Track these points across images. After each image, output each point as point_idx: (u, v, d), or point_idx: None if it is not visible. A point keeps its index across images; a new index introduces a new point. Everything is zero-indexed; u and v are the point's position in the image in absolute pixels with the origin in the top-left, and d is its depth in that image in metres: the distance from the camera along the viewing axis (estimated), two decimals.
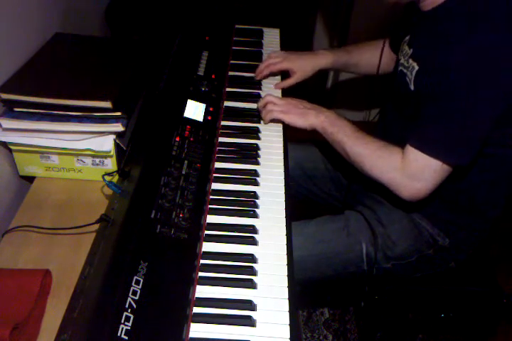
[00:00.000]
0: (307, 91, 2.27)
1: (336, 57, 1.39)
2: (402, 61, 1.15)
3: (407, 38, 1.17)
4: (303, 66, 1.37)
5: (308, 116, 1.17)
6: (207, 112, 1.21)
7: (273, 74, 1.40)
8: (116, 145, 1.11)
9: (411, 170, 1.03)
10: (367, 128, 1.16)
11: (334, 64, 1.40)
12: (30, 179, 1.17)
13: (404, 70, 1.12)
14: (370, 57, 1.41)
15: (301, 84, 1.37)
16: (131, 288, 0.78)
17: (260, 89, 1.36)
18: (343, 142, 1.12)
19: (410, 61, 1.10)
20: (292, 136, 1.23)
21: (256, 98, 1.33)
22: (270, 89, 1.37)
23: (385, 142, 1.09)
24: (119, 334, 0.72)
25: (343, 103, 2.43)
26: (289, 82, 1.38)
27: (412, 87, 1.08)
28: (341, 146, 1.13)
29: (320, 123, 1.15)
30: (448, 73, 0.95)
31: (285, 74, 1.40)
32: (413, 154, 1.02)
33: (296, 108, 1.19)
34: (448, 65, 0.95)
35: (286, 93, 1.36)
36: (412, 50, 1.11)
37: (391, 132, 1.23)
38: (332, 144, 1.16)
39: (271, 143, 1.20)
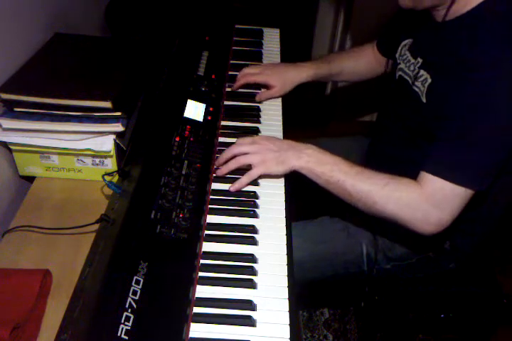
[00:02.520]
0: (307, 95, 2.29)
1: (316, 70, 1.34)
2: (402, 66, 1.12)
3: (408, 42, 1.13)
4: (281, 81, 1.31)
5: (287, 159, 1.02)
6: (207, 112, 1.20)
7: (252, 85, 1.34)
8: (116, 145, 1.10)
9: (436, 200, 0.94)
10: (367, 128, 1.14)
11: (315, 76, 1.35)
12: (30, 179, 1.17)
13: (408, 78, 1.09)
14: (354, 65, 1.39)
15: (300, 89, 1.36)
16: (131, 288, 0.78)
17: (260, 89, 1.36)
18: (340, 181, 0.99)
19: (422, 71, 1.04)
20: (292, 136, 1.23)
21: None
22: None
23: (389, 174, 0.99)
24: (119, 334, 0.72)
25: (343, 106, 2.43)
26: (267, 95, 1.32)
27: (424, 99, 1.03)
28: (340, 186, 1.00)
29: (304, 164, 1.02)
30: (463, 93, 0.90)
31: None
32: (437, 182, 0.94)
33: (271, 152, 1.04)
34: (469, 86, 0.90)
35: (286, 100, 1.35)
36: (420, 59, 1.06)
37: (389, 142, 1.22)
38: (325, 186, 1.02)
39: None
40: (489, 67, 0.89)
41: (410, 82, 1.08)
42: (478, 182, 0.94)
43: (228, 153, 1.07)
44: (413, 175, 0.99)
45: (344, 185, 0.99)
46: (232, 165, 1.05)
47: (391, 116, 1.21)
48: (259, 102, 1.32)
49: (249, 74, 1.33)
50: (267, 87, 1.33)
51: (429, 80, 1.02)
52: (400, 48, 1.16)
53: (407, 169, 0.99)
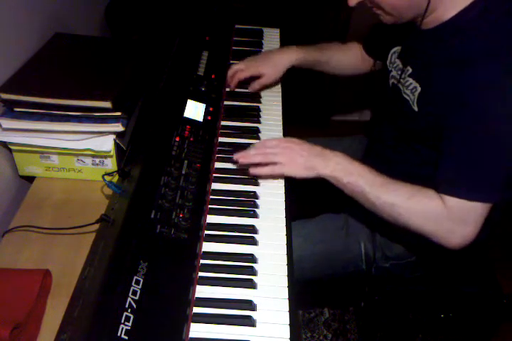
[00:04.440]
0: (307, 91, 2.29)
1: (305, 54, 1.33)
2: (393, 74, 1.13)
3: (397, 49, 1.13)
4: (270, 66, 1.31)
5: (315, 166, 1.02)
6: (207, 112, 1.21)
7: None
8: (116, 145, 1.10)
9: (458, 217, 0.94)
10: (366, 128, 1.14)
11: (303, 60, 1.33)
12: (30, 179, 1.17)
13: (399, 85, 1.09)
14: (342, 58, 1.38)
15: (300, 85, 1.36)
16: (131, 288, 0.78)
17: None
18: (365, 192, 0.99)
19: (410, 80, 1.05)
20: (292, 136, 1.23)
21: (256, 98, 1.33)
22: (270, 88, 1.37)
23: (414, 185, 0.98)
24: (119, 334, 0.72)
25: (342, 102, 2.43)
26: (260, 82, 1.31)
27: (415, 108, 1.03)
28: (365, 197, 1.00)
29: (331, 172, 1.02)
30: (466, 106, 0.90)
31: (287, 78, 1.38)
32: (455, 201, 0.93)
33: (299, 156, 1.04)
34: (464, 96, 0.90)
35: (286, 100, 1.35)
36: (410, 68, 1.06)
37: (384, 143, 1.22)
38: (350, 194, 1.02)
39: None
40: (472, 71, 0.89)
41: (401, 89, 1.08)
42: (495, 195, 0.94)
43: (258, 149, 1.06)
44: (409, 176, 0.99)
45: (369, 196, 0.99)
46: (259, 158, 1.04)
47: (385, 120, 1.22)
48: (259, 102, 1.32)
49: (239, 70, 1.32)
50: (258, 75, 1.32)
51: (419, 89, 1.02)
52: (389, 56, 1.16)
53: (403, 169, 0.99)
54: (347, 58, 1.38)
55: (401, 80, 1.08)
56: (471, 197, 0.93)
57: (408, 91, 1.05)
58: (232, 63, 1.44)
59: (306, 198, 1.45)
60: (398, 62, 1.11)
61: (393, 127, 1.17)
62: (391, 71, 1.14)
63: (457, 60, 0.93)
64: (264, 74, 1.31)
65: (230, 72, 1.33)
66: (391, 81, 1.14)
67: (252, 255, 0.92)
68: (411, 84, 1.04)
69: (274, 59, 1.32)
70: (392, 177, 1.01)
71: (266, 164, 1.05)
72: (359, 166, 1.02)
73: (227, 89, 1.35)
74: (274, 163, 1.05)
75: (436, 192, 0.96)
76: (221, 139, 1.19)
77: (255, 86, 1.32)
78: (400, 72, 1.09)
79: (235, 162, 1.07)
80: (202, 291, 0.86)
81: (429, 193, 0.97)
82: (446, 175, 0.96)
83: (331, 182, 1.03)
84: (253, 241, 0.95)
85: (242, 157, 1.05)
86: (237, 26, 1.61)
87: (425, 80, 1.01)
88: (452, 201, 0.94)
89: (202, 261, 0.90)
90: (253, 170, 1.06)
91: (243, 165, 1.07)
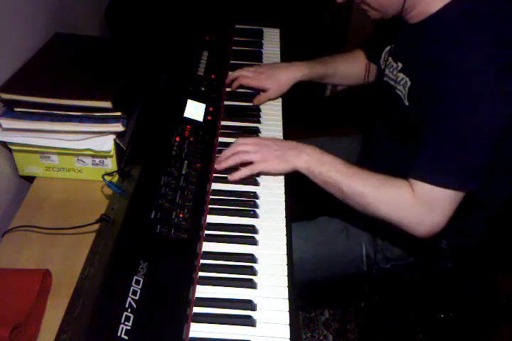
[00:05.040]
0: (306, 98, 2.28)
1: (311, 69, 1.33)
2: (387, 72, 1.13)
3: (389, 48, 1.14)
4: (275, 82, 1.30)
5: (288, 158, 1.05)
6: (207, 112, 1.21)
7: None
8: (116, 145, 1.10)
9: (427, 204, 0.94)
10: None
11: (310, 75, 1.33)
12: (30, 179, 1.17)
13: (392, 83, 1.09)
14: (347, 68, 1.38)
15: (300, 89, 1.36)
16: (131, 288, 0.78)
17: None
18: (337, 182, 1.01)
19: (401, 75, 1.05)
20: (292, 136, 1.23)
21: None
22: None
23: (385, 175, 1.00)
24: (119, 334, 0.72)
25: (341, 109, 2.43)
26: (264, 97, 1.30)
27: (406, 103, 1.04)
28: (336, 187, 1.01)
29: (304, 163, 1.04)
30: (444, 95, 0.91)
31: None
32: (425, 187, 0.94)
33: (273, 151, 1.06)
34: (443, 85, 0.91)
35: (286, 100, 1.34)
36: (400, 63, 1.07)
37: (379, 143, 1.22)
38: (323, 186, 1.04)
39: None
40: (472, 67, 0.89)
41: (394, 86, 1.09)
42: (467, 183, 0.94)
43: (230, 150, 1.08)
44: (405, 174, 0.99)
45: (340, 185, 1.00)
46: (233, 160, 1.06)
47: (379, 118, 1.22)
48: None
49: (243, 76, 1.32)
50: (262, 89, 1.32)
51: (409, 83, 1.02)
52: (383, 54, 1.17)
53: (398, 168, 0.99)
54: (354, 68, 1.37)
55: (393, 77, 1.09)
56: (441, 182, 0.93)
57: (400, 87, 1.06)
58: (233, 63, 1.44)
59: (307, 200, 1.45)
60: (390, 59, 1.12)
61: (387, 126, 1.17)
62: (384, 69, 1.15)
63: (440, 54, 0.93)
64: (268, 89, 1.31)
65: (235, 74, 1.33)
66: (384, 79, 1.14)
67: (252, 255, 0.92)
68: (402, 79, 1.05)
69: (280, 75, 1.32)
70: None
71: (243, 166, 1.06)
72: (331, 157, 1.04)
73: (228, 89, 1.35)
74: (250, 163, 1.06)
75: (409, 178, 0.96)
76: (221, 139, 1.18)
77: (260, 99, 1.31)
78: (391, 69, 1.10)
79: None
80: (202, 291, 0.86)
81: (399, 182, 0.98)
82: (419, 161, 0.96)
83: (305, 173, 1.04)
84: (253, 241, 0.95)
85: (217, 163, 1.08)
86: (237, 26, 1.61)
87: (413, 74, 1.02)
88: (422, 187, 0.94)
89: (202, 261, 0.90)
90: (231, 177, 1.06)
91: (222, 170, 1.07)
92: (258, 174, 1.08)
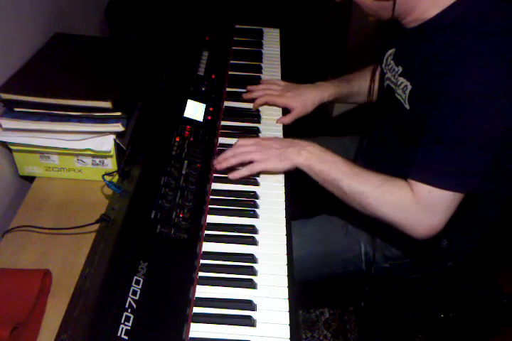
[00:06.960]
0: None
1: (337, 89, 1.31)
2: (388, 76, 1.13)
3: (391, 51, 1.14)
4: (301, 102, 1.27)
5: (289, 156, 1.05)
6: (207, 112, 1.21)
7: None
8: (116, 145, 1.11)
9: (426, 205, 0.94)
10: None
11: (335, 95, 1.31)
12: (30, 179, 1.17)
13: (393, 86, 1.09)
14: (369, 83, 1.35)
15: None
16: (131, 288, 0.78)
17: (257, 79, 1.36)
18: (337, 180, 1.00)
19: (401, 79, 1.05)
20: (292, 136, 1.23)
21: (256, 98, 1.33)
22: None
23: (386, 175, 1.00)
24: (119, 334, 0.72)
25: (342, 116, 2.43)
26: (289, 118, 1.27)
27: (407, 106, 1.03)
28: (336, 185, 1.01)
29: (305, 160, 1.03)
30: (445, 97, 0.90)
31: (287, 79, 1.36)
32: (425, 188, 0.93)
33: (274, 149, 1.06)
34: (444, 90, 0.90)
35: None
36: (401, 67, 1.07)
37: (382, 142, 1.22)
38: (322, 184, 1.03)
39: None
40: (474, 68, 0.89)
41: (394, 90, 1.09)
42: (466, 185, 0.93)
43: (230, 151, 1.08)
44: (405, 176, 0.99)
45: (340, 184, 1.00)
46: (233, 160, 1.06)
47: (381, 122, 1.22)
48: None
49: (269, 94, 1.29)
50: (287, 108, 1.30)
51: (410, 87, 1.02)
52: (385, 58, 1.17)
53: (399, 170, 0.99)
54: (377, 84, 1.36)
55: (394, 81, 1.09)
56: (440, 184, 0.92)
57: (400, 91, 1.06)
58: (233, 63, 1.44)
59: (306, 198, 1.45)
60: (392, 63, 1.12)
61: (389, 129, 1.17)
62: (386, 73, 1.15)
63: (440, 57, 0.93)
64: (293, 108, 1.28)
65: (262, 92, 1.30)
66: (386, 83, 1.14)
67: (252, 255, 0.92)
68: (402, 83, 1.05)
69: (307, 95, 1.29)
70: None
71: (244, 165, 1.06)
72: (332, 155, 1.04)
73: (228, 89, 1.35)
74: (251, 163, 1.06)
75: (409, 179, 0.96)
76: (221, 139, 1.18)
77: (285, 120, 1.27)
78: (393, 73, 1.10)
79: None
80: (202, 291, 0.86)
81: (399, 182, 0.97)
82: (419, 162, 0.96)
83: (305, 170, 1.04)
84: (253, 241, 0.95)
85: (218, 163, 1.08)
86: (237, 26, 1.61)
87: (414, 78, 1.02)
88: (421, 188, 0.94)
89: (202, 261, 0.90)
90: (232, 175, 1.06)
91: (223, 170, 1.07)
92: (258, 173, 1.08)
